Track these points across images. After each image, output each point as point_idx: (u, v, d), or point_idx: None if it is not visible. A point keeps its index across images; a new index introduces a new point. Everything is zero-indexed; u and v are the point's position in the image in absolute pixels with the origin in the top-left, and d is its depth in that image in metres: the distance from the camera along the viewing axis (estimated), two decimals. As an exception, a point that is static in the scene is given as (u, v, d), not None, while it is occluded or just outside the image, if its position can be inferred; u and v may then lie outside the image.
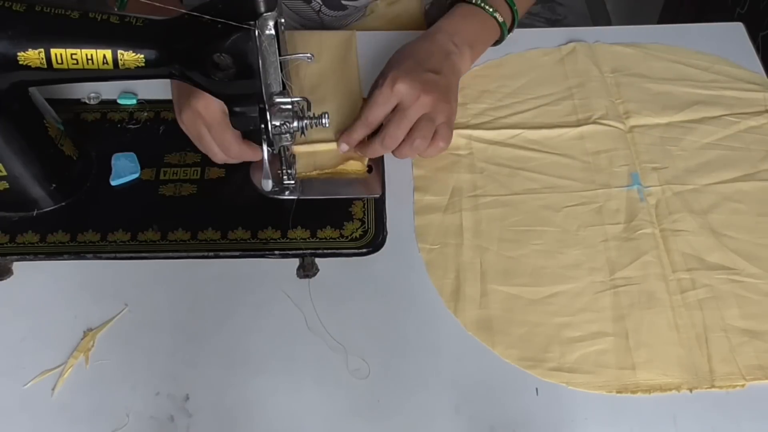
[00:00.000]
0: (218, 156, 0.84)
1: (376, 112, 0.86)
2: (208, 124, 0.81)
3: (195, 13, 0.68)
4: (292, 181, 0.85)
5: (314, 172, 0.87)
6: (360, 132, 0.87)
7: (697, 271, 0.80)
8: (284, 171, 0.84)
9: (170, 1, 0.74)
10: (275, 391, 0.72)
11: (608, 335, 0.75)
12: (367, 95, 0.91)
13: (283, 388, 0.72)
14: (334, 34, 1.04)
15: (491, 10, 0.95)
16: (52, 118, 0.82)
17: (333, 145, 0.89)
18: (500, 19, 0.95)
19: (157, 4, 0.70)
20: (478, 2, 0.95)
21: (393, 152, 0.86)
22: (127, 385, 0.72)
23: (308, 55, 0.72)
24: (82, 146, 0.87)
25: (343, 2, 1.09)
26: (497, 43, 0.99)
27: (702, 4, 1.82)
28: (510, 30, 0.98)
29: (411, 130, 0.84)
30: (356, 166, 0.88)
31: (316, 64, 0.98)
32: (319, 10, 1.11)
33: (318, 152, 0.89)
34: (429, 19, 1.17)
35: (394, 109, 0.85)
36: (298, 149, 0.88)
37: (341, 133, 0.88)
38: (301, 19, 1.13)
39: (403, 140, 0.85)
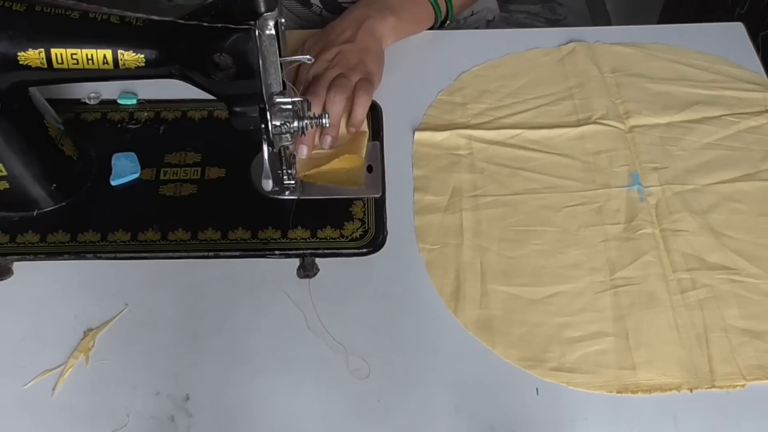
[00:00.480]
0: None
1: (301, 86, 0.90)
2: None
3: (195, 15, 0.68)
4: (292, 181, 0.85)
5: (312, 171, 0.87)
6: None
7: (698, 271, 0.80)
8: (284, 171, 0.84)
9: None
10: (275, 390, 0.72)
11: (608, 335, 0.75)
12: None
13: (283, 387, 0.72)
14: None
15: None
16: (52, 118, 0.82)
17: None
18: None
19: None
20: None
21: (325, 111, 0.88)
22: (127, 385, 0.72)
23: (308, 57, 0.73)
24: (83, 146, 0.87)
25: (344, 5, 1.09)
26: (439, 25, 1.03)
27: (702, 4, 1.81)
28: (445, 15, 1.01)
29: (329, 86, 0.88)
30: (354, 161, 0.87)
31: None
32: (320, 14, 1.11)
33: (317, 154, 0.88)
34: None
35: None
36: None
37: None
38: (301, 21, 1.13)
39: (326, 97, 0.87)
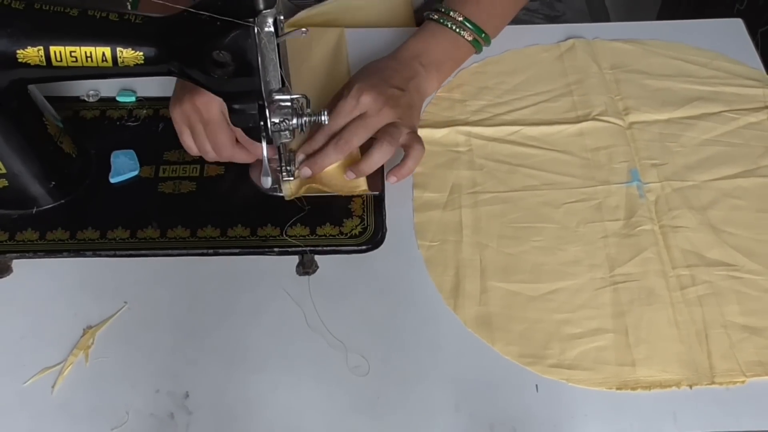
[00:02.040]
0: (209, 155, 0.84)
1: (339, 122, 0.85)
2: (205, 121, 0.81)
3: (194, 10, 0.68)
4: (292, 178, 0.84)
5: (314, 192, 0.85)
6: (320, 140, 0.86)
7: (697, 267, 0.80)
8: (283, 168, 0.83)
9: (182, 1, 0.74)
10: (275, 388, 0.72)
11: (608, 332, 0.75)
12: (330, 105, 0.89)
13: (282, 385, 0.72)
14: (324, 31, 1.04)
15: (457, 30, 0.94)
16: (51, 115, 0.82)
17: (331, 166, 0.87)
18: (468, 38, 0.95)
19: (169, 4, 0.70)
20: (446, 22, 0.94)
21: (362, 164, 0.83)
22: (127, 382, 0.72)
23: (303, 30, 0.72)
24: (82, 144, 0.87)
25: None
26: (477, 52, 0.98)
27: (701, 1, 1.81)
28: (484, 43, 0.97)
29: (378, 134, 0.84)
30: (357, 191, 0.85)
31: (307, 63, 0.98)
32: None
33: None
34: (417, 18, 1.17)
35: (354, 119, 0.85)
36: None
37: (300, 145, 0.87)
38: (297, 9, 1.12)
39: (373, 147, 0.83)
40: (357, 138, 0.84)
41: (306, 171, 0.84)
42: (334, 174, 0.86)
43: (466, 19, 0.94)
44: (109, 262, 0.80)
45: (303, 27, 1.03)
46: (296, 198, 0.84)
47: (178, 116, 0.83)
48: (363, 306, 0.77)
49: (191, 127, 0.82)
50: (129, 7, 0.87)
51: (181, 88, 0.83)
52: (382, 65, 0.91)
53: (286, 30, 0.72)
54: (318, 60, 0.99)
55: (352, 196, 0.85)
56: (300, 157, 0.86)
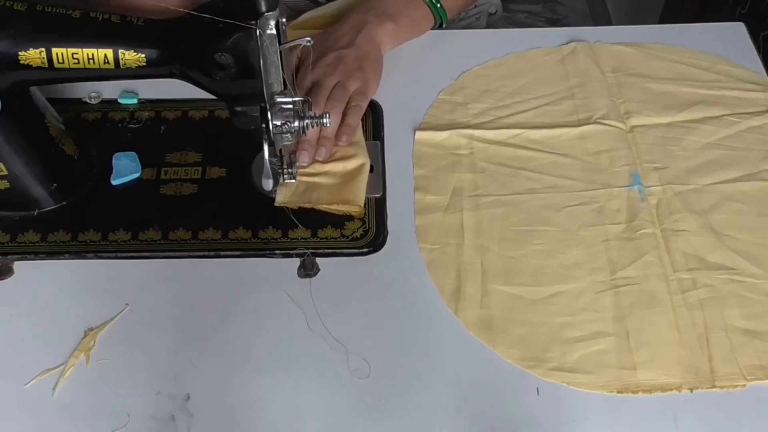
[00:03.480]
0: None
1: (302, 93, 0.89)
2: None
3: (196, 13, 0.68)
4: (293, 181, 0.84)
5: (307, 205, 0.84)
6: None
7: (698, 271, 0.80)
8: (285, 171, 0.83)
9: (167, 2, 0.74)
10: (276, 390, 0.72)
11: (609, 335, 0.75)
12: None
13: (283, 387, 0.72)
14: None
15: None
16: (53, 117, 0.82)
17: (331, 179, 0.86)
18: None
19: (162, 5, 0.70)
20: None
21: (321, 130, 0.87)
22: (127, 384, 0.72)
23: (307, 39, 0.72)
24: (83, 146, 0.87)
25: None
26: (439, 26, 1.03)
27: (703, 4, 1.81)
28: (439, 11, 1.01)
29: (327, 100, 0.88)
30: (353, 209, 0.84)
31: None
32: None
33: (316, 185, 0.86)
34: None
35: None
36: (300, 177, 0.86)
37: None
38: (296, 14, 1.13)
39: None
40: (320, 96, 0.88)
41: (321, 150, 0.87)
42: (330, 191, 0.85)
43: None
44: (110, 264, 0.80)
45: (304, 26, 1.04)
46: (285, 207, 0.84)
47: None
48: (364, 309, 0.77)
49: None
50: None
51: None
52: (328, 33, 0.97)
53: (288, 32, 0.72)
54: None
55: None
56: (304, 155, 0.86)
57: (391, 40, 0.98)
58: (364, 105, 0.91)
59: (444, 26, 1.04)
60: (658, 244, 0.82)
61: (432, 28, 1.03)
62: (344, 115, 0.89)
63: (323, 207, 0.84)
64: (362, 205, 0.84)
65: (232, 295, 0.78)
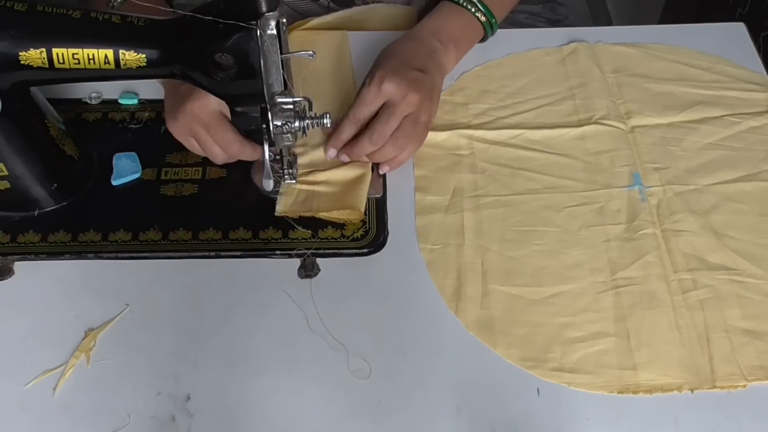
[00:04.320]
0: (219, 157, 0.84)
1: (364, 111, 0.86)
2: (206, 124, 0.81)
3: (196, 14, 0.68)
4: (294, 181, 0.84)
5: (308, 214, 0.84)
6: (347, 131, 0.87)
7: (699, 271, 0.80)
8: (285, 171, 0.83)
9: (163, 2, 0.74)
10: (276, 391, 0.72)
11: (609, 335, 0.75)
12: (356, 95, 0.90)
13: (284, 388, 0.72)
14: (327, 34, 1.04)
15: (473, 10, 0.96)
16: (53, 117, 0.82)
17: (331, 188, 0.86)
18: (482, 20, 0.96)
19: (151, 5, 0.70)
20: (461, 2, 0.96)
21: (374, 153, 0.86)
22: (128, 385, 0.72)
23: (310, 52, 0.72)
24: (84, 146, 0.87)
25: None
26: (482, 41, 1.00)
27: (703, 4, 1.81)
28: (493, 29, 0.99)
29: (397, 130, 0.85)
30: (354, 215, 0.84)
31: (311, 64, 0.98)
32: (328, 6, 1.11)
33: (316, 193, 0.86)
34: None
35: (381, 107, 0.86)
36: (300, 186, 0.86)
37: (329, 136, 0.88)
38: (303, 18, 1.12)
39: (390, 140, 0.85)
40: (389, 128, 0.84)
41: (344, 158, 0.86)
42: (330, 198, 0.85)
43: (480, 0, 0.96)
44: (110, 264, 0.80)
45: (307, 29, 1.04)
46: (285, 217, 0.83)
47: (178, 129, 0.83)
48: (365, 309, 0.77)
49: (194, 134, 0.82)
50: (111, 7, 0.87)
51: (172, 98, 0.83)
52: (401, 47, 0.91)
53: (288, 31, 0.72)
54: (321, 62, 0.99)
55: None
56: (331, 151, 0.87)
57: (452, 66, 0.97)
58: (422, 143, 0.88)
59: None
60: (659, 245, 0.82)
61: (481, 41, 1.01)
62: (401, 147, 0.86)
63: (323, 215, 0.84)
64: (363, 211, 0.83)
65: (233, 295, 0.78)
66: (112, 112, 0.94)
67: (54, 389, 0.72)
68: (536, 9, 2.54)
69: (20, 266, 0.80)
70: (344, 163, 0.87)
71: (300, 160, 0.87)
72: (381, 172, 0.87)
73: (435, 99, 0.89)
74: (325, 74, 0.98)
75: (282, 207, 0.84)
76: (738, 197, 0.86)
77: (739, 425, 0.70)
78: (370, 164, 0.87)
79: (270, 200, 0.85)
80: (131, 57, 0.72)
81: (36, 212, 0.83)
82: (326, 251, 0.81)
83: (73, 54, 0.71)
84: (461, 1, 0.95)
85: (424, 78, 0.87)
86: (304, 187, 0.86)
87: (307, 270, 0.80)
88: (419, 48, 0.91)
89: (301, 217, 0.83)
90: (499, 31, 1.00)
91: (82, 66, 0.72)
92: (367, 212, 0.84)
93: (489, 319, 0.76)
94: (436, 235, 0.83)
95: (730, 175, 0.88)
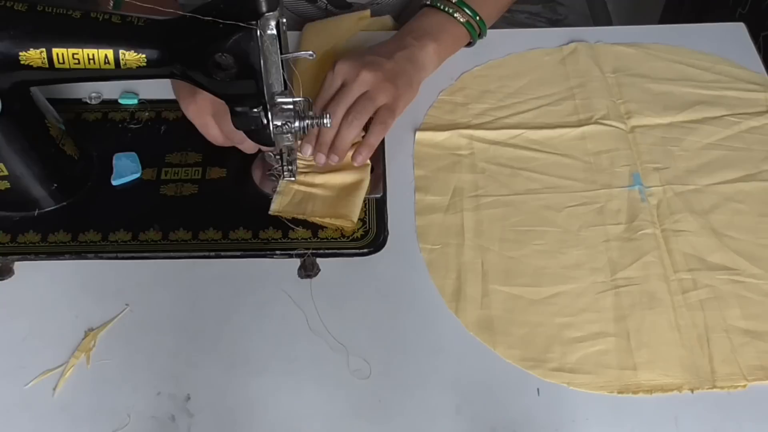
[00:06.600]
0: (219, 140, 0.85)
1: (324, 96, 0.87)
2: (215, 112, 0.83)
3: (196, 14, 0.68)
4: (293, 179, 0.84)
5: (301, 216, 0.83)
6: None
7: (699, 271, 0.80)
8: (285, 168, 0.83)
9: (167, 3, 0.74)
10: (276, 391, 0.72)
11: (609, 335, 0.75)
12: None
13: (284, 388, 0.72)
14: (350, 15, 1.05)
15: (451, 11, 0.96)
16: (53, 117, 0.82)
17: (328, 191, 0.86)
18: (462, 20, 0.96)
19: (152, 6, 0.70)
20: (439, 5, 0.96)
21: (336, 139, 0.85)
22: (128, 385, 0.72)
23: (309, 52, 0.72)
24: (84, 146, 0.87)
25: (348, 0, 1.09)
26: (471, 44, 1.00)
27: (703, 4, 1.81)
28: (480, 31, 0.98)
29: (349, 108, 0.85)
30: (346, 224, 0.83)
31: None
32: (325, 9, 1.11)
33: (312, 196, 0.86)
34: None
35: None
36: (297, 186, 0.86)
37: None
38: (303, 20, 1.13)
39: (342, 120, 0.85)
40: (341, 107, 0.85)
41: (333, 157, 0.85)
42: (324, 203, 0.85)
43: (460, 1, 0.95)
44: (110, 264, 0.80)
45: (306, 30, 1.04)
46: (279, 216, 0.83)
47: (196, 109, 0.84)
48: (365, 309, 0.77)
49: (214, 114, 0.83)
50: (111, 8, 0.87)
51: (182, 92, 0.84)
52: (372, 47, 0.93)
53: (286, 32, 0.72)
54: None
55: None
56: (308, 149, 0.85)
57: (433, 61, 0.95)
58: (391, 123, 0.87)
59: (482, 37, 1.00)
60: (659, 245, 0.82)
61: (469, 43, 1.00)
62: (367, 131, 0.86)
63: (316, 220, 0.83)
64: (355, 221, 0.83)
65: (233, 295, 0.78)
66: (112, 112, 0.94)
67: (54, 389, 0.72)
68: (536, 9, 2.54)
69: (20, 266, 0.80)
70: (342, 170, 0.87)
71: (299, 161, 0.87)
72: (355, 164, 0.86)
73: (400, 85, 0.89)
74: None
75: (276, 206, 0.84)
76: (738, 197, 0.86)
77: (739, 425, 0.70)
78: (369, 170, 0.87)
79: (270, 200, 0.85)
80: (131, 57, 0.72)
81: (36, 212, 0.83)
82: (326, 251, 0.81)
83: (73, 54, 0.71)
84: (439, 4, 0.95)
85: (383, 62, 0.88)
86: (302, 188, 0.86)
87: (307, 270, 0.80)
88: (389, 44, 0.93)
89: (294, 218, 0.83)
90: (499, 31, 1.00)
91: (82, 66, 0.71)
92: (367, 212, 0.84)
93: (489, 319, 0.76)
94: (436, 235, 0.83)
95: (730, 175, 0.88)
